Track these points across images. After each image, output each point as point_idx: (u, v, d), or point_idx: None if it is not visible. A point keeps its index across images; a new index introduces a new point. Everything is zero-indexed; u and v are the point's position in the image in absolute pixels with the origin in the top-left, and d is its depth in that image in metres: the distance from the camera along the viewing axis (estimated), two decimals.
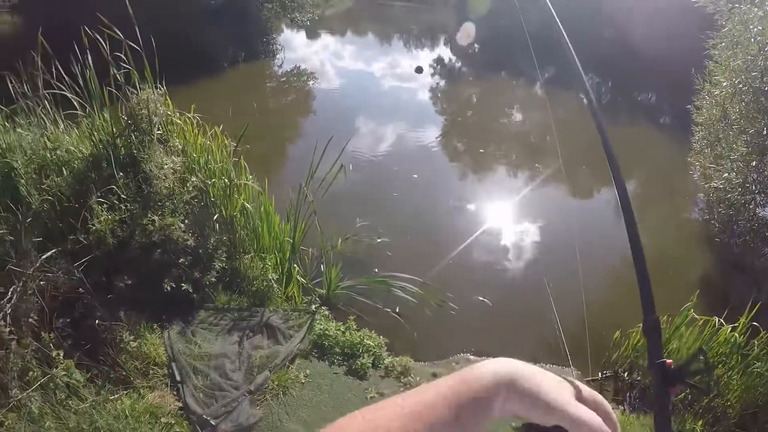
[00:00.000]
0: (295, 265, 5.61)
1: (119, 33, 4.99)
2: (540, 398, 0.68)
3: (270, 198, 5.69)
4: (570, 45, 1.15)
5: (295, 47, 18.61)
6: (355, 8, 27.82)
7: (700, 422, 4.83)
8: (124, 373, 4.21)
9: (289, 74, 15.23)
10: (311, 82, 14.79)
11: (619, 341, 5.69)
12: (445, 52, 20.93)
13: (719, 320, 5.04)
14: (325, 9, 24.71)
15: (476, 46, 21.53)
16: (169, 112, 5.55)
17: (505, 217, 8.77)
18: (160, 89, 5.51)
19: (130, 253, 4.68)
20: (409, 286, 5.99)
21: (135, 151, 5.12)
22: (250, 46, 15.16)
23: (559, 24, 1.18)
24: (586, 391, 0.74)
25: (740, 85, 7.02)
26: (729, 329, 4.92)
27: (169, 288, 4.66)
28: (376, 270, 6.39)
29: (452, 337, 5.92)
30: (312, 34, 20.40)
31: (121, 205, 4.74)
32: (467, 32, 19.96)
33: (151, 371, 4.37)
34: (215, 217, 5.13)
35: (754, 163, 7.05)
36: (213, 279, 5.05)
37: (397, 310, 5.96)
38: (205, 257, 5.02)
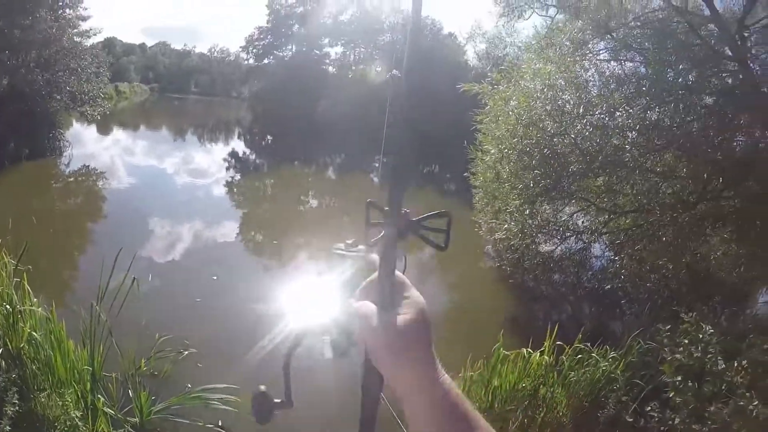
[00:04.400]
0: (99, 396, 5.30)
1: None
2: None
3: (60, 322, 5.16)
4: None
5: (85, 142, 17.64)
6: (149, 101, 27.25)
7: None
8: None
9: (78, 173, 14.33)
10: (101, 182, 14.07)
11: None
12: (239, 145, 21.47)
13: (527, 350, 5.66)
14: (119, 101, 23.88)
15: (269, 137, 22.49)
16: None
17: (312, 303, 9.04)
18: None
19: None
20: (228, 396, 5.96)
21: None
22: (36, 142, 14.07)
23: None
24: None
25: (506, 150, 8.53)
26: (537, 355, 5.60)
27: None
28: (189, 385, 6.11)
29: None
30: (103, 129, 19.55)
31: None
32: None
33: None
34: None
35: (527, 211, 8.52)
36: (7, 428, 4.62)
37: (220, 424, 5.88)
38: None
